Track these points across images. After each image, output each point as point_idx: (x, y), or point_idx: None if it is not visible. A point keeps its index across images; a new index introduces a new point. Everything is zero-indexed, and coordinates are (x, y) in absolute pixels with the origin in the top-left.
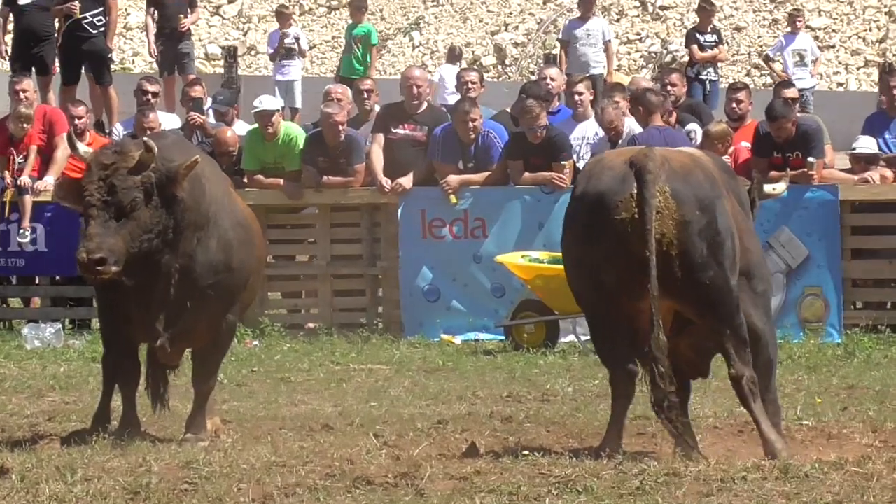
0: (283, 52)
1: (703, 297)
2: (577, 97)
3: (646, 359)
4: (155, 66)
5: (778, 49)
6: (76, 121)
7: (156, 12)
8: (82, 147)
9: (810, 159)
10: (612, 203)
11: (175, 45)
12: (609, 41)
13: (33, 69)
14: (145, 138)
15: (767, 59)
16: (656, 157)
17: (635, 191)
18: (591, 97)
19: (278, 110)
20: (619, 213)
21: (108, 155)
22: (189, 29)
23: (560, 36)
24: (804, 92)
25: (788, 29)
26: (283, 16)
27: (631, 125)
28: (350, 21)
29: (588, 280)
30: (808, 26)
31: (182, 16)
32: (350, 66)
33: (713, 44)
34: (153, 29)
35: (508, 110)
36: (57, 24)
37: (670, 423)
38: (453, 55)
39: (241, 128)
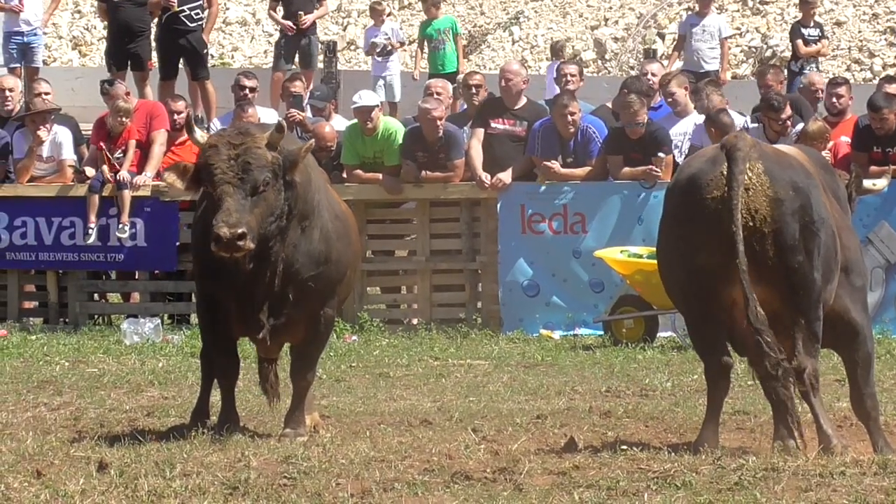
0: (377, 50)
1: (787, 281)
2: (669, 97)
3: (741, 350)
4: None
5: None
6: (175, 115)
7: (280, 7)
8: (199, 132)
9: None
10: (703, 182)
11: (298, 40)
12: (725, 38)
13: (129, 65)
14: (280, 118)
15: None
16: (747, 139)
17: (725, 169)
18: (686, 93)
19: (377, 106)
20: (709, 191)
21: (234, 135)
22: (314, 24)
23: (678, 30)
24: None
25: None
26: (375, 12)
27: (739, 120)
28: (425, 18)
29: (682, 267)
30: None
31: (303, 12)
32: (437, 62)
33: (816, 38)
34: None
35: (609, 105)
36: (154, 18)
37: (786, 390)
38: (555, 50)
39: (339, 123)
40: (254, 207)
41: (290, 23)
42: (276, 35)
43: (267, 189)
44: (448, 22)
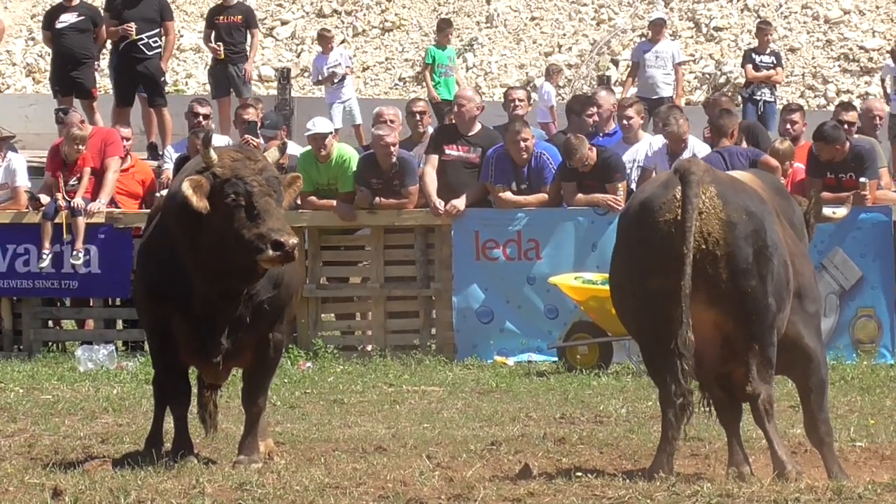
0: (335, 80)
1: (741, 306)
2: (625, 121)
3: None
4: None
5: (887, 72)
6: (125, 142)
7: (213, 34)
8: (213, 153)
9: (862, 180)
10: (656, 206)
11: (225, 68)
12: (678, 64)
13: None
14: (284, 138)
15: (883, 82)
16: (701, 163)
17: (679, 193)
18: (642, 121)
19: (331, 133)
20: (662, 214)
21: (247, 152)
22: (245, 51)
23: (631, 57)
24: None
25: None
26: (324, 39)
27: (694, 143)
28: (436, 44)
29: (635, 291)
30: None
31: (220, 44)
32: (448, 88)
33: (770, 65)
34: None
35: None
36: (110, 45)
37: (677, 420)
38: (550, 73)
39: (293, 149)
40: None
41: (216, 46)
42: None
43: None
44: (453, 51)
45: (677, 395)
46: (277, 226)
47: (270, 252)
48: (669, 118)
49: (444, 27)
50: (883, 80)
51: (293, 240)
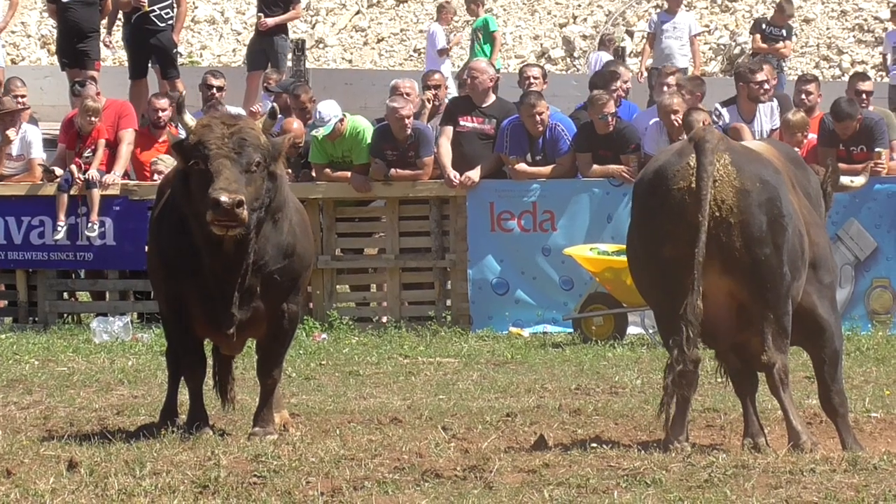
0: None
1: (755, 274)
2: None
3: (710, 344)
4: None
5: (889, 44)
6: (160, 113)
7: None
8: (189, 116)
9: (878, 149)
10: (670, 173)
11: (261, 41)
12: (694, 35)
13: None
14: (273, 104)
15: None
16: (715, 132)
17: (693, 161)
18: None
19: (342, 117)
20: (676, 182)
21: (227, 117)
22: (284, 25)
23: (648, 28)
24: None
25: (891, 25)
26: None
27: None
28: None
29: (650, 259)
30: None
31: (262, 14)
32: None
33: (780, 37)
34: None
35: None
36: (122, 17)
37: (674, 388)
38: (604, 42)
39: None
40: (247, 184)
41: (262, 17)
42: (244, 33)
43: (257, 172)
44: (481, 21)
45: (678, 361)
46: (220, 184)
47: (210, 212)
48: (682, 91)
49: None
50: (884, 55)
51: (225, 196)
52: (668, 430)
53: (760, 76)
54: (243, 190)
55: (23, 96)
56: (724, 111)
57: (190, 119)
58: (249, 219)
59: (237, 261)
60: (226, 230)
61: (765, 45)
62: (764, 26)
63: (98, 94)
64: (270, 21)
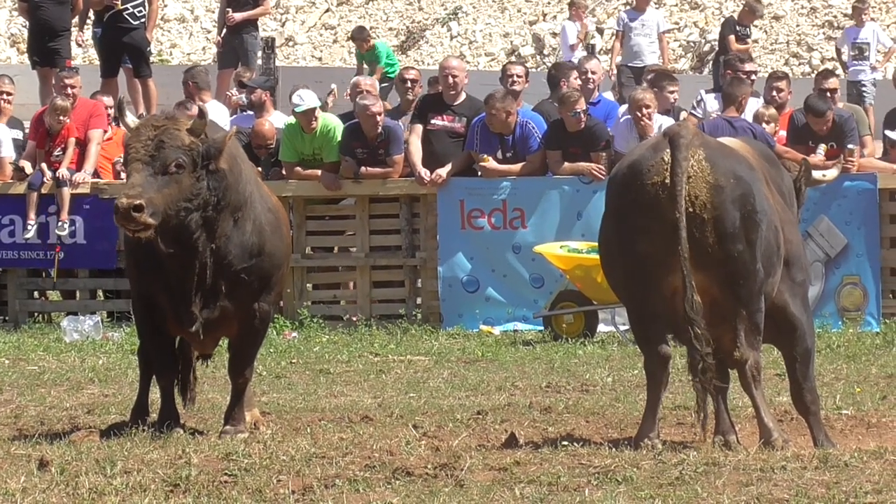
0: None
1: (728, 271)
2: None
3: (681, 340)
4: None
5: (843, 42)
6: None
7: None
8: (131, 117)
9: (850, 146)
10: (644, 168)
11: (232, 39)
12: (663, 33)
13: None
14: (200, 104)
15: (839, 53)
16: (690, 127)
17: (668, 156)
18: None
19: (318, 106)
20: (650, 177)
21: (159, 119)
22: (253, 22)
23: (616, 26)
24: (864, 83)
25: (853, 22)
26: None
27: (662, 120)
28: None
29: (623, 256)
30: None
31: (230, 10)
32: None
33: (747, 36)
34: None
35: (551, 101)
36: (93, 16)
37: (704, 386)
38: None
39: (278, 120)
40: (162, 187)
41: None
42: (214, 32)
43: (180, 172)
44: (371, 56)
45: (697, 359)
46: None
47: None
48: (662, 90)
49: (357, 36)
50: (839, 50)
51: (123, 200)
52: (703, 429)
53: (750, 66)
54: (148, 194)
55: (9, 94)
56: (706, 98)
57: (131, 121)
58: (188, 219)
59: (189, 263)
60: (132, 232)
61: (742, 47)
62: (737, 27)
63: (74, 87)
64: (238, 16)
